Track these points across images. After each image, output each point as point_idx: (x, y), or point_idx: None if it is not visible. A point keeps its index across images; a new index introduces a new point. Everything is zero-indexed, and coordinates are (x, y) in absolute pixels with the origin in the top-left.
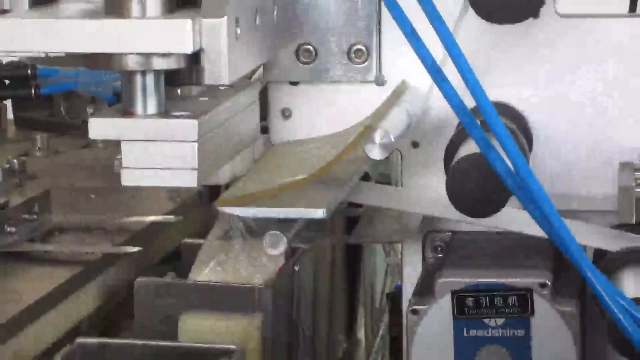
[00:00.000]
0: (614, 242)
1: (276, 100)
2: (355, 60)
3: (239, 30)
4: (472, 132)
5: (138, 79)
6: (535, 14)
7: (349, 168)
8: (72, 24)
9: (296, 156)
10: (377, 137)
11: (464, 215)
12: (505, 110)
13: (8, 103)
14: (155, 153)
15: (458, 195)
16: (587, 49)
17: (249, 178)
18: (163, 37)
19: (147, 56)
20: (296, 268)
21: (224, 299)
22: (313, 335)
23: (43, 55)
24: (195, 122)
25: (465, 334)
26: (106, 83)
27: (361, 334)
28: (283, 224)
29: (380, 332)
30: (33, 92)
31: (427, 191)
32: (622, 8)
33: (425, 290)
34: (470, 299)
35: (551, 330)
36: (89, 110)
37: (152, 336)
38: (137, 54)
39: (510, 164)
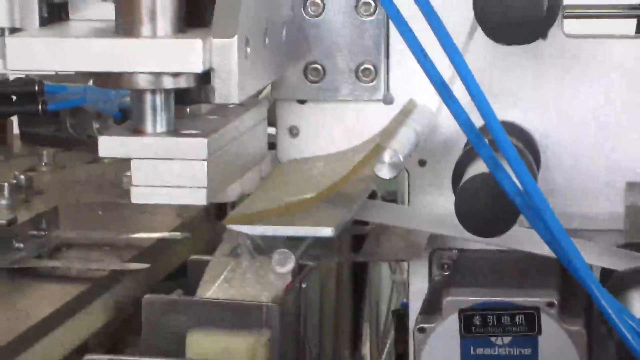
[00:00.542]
0: (621, 262)
1: (284, 119)
2: (363, 79)
3: (248, 50)
4: (481, 152)
5: (148, 97)
6: (543, 35)
7: (357, 186)
8: (83, 43)
9: (304, 174)
10: (386, 156)
11: (471, 234)
12: (513, 129)
13: (14, 118)
14: (165, 171)
15: (467, 214)
16: (593, 69)
17: (257, 196)
18: (173, 56)
19: (158, 75)
20: (303, 285)
21: (231, 316)
22: (320, 352)
23: (52, 73)
24: (205, 140)
25: (472, 352)
26: (113, 100)
27: (366, 350)
28: (290, 241)
29: (386, 349)
30: (40, 108)
31: (434, 209)
32: (628, 29)
33: (432, 308)
34: (477, 317)
35: (558, 349)
36: (95, 125)
37: (160, 353)
38: (148, 73)
39: (519, 183)
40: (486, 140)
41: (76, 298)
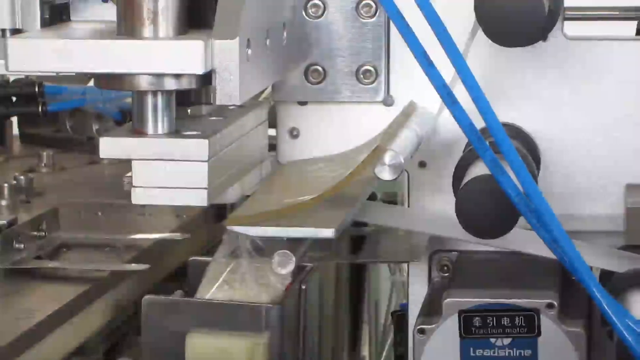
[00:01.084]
0: (621, 263)
1: (284, 120)
2: (364, 80)
3: (250, 51)
4: (482, 154)
5: (149, 98)
6: (544, 37)
7: (357, 188)
8: (85, 44)
9: (304, 176)
10: (387, 158)
11: (472, 236)
12: (513, 131)
13: (13, 119)
14: (166, 172)
15: (468, 216)
16: (594, 71)
17: (257, 197)
18: (175, 58)
19: (159, 76)
20: (303, 287)
21: (231, 317)
22: (319, 353)
23: (53, 74)
24: (206, 141)
25: (472, 353)
26: (113, 101)
27: (365, 351)
28: (291, 243)
29: (385, 351)
30: (40, 109)
31: (435, 211)
32: (629, 31)
33: (432, 309)
34: (477, 318)
35: (558, 350)
36: (95, 126)
37: (160, 354)
38: (149, 74)
39: (519, 185)
40: (487, 143)
41: (76, 299)
